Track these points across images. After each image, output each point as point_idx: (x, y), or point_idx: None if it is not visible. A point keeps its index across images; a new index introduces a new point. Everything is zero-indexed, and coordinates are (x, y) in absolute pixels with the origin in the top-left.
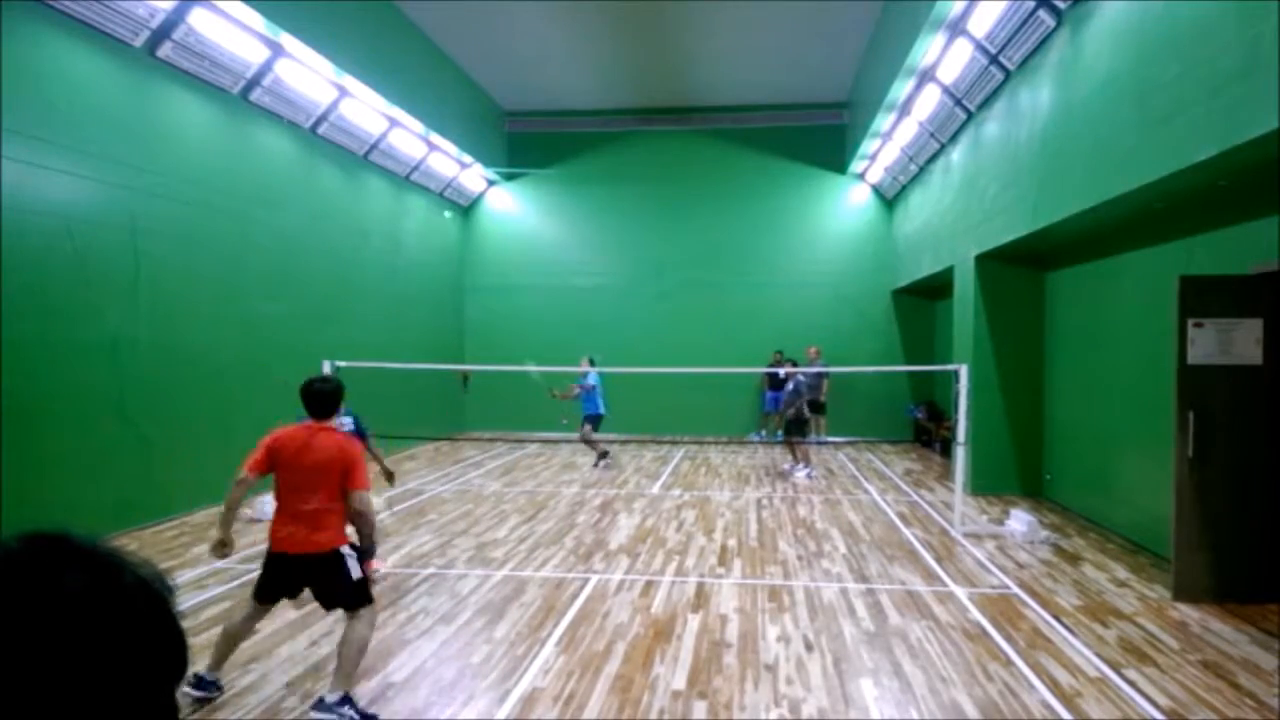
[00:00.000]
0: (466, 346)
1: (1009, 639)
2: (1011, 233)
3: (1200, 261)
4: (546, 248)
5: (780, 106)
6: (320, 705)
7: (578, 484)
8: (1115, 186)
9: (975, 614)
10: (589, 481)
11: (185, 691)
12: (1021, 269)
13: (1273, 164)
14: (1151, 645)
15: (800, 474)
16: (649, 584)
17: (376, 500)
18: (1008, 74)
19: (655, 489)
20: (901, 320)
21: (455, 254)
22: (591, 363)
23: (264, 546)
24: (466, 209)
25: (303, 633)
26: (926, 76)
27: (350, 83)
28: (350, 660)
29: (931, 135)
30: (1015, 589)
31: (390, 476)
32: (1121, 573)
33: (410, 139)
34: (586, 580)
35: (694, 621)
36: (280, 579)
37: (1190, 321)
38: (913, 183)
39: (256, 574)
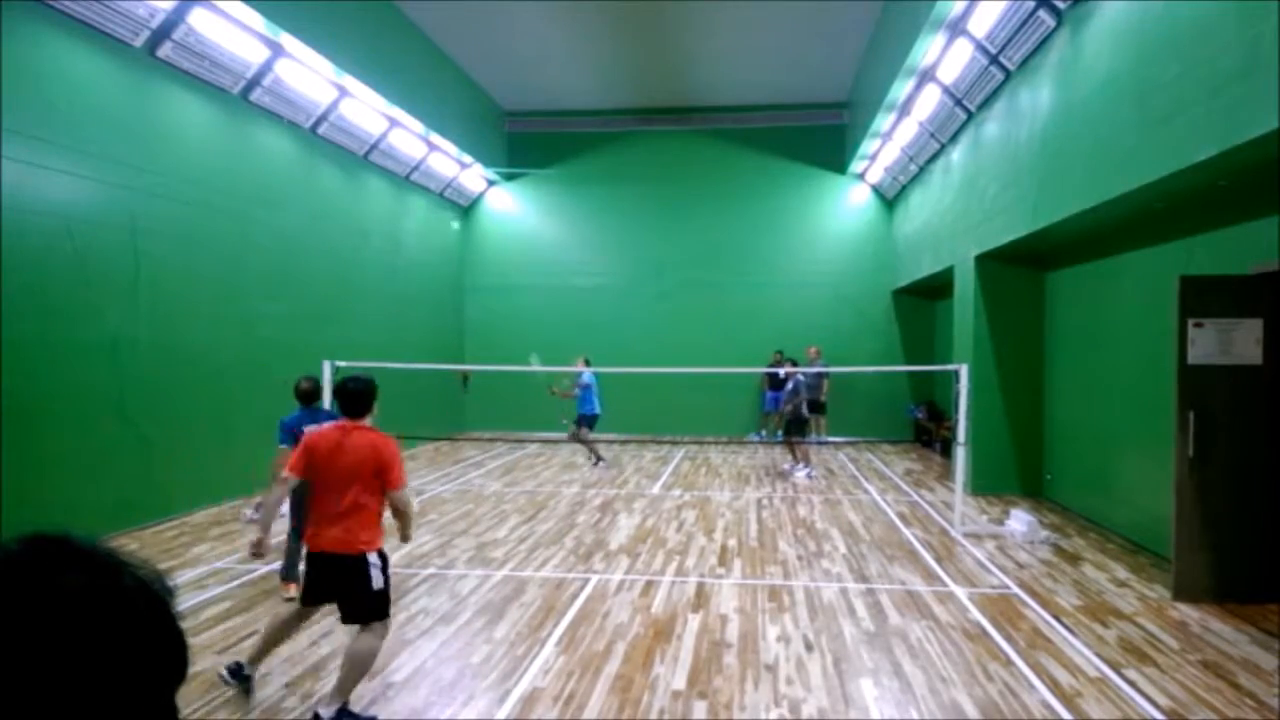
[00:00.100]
0: (466, 346)
1: (1009, 639)
2: (1011, 233)
3: (1200, 261)
4: (546, 248)
5: (780, 106)
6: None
7: (578, 484)
8: (1115, 186)
9: (975, 614)
10: (589, 481)
11: (221, 674)
12: (1021, 269)
13: (1273, 164)
14: (1151, 645)
15: (800, 474)
16: (649, 584)
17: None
18: (1008, 74)
19: (655, 489)
20: (901, 320)
21: (455, 254)
22: (587, 363)
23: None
24: (466, 209)
25: (302, 633)
26: (926, 76)
27: (350, 83)
28: (352, 674)
29: (931, 135)
30: (1015, 589)
31: None
32: (1121, 573)
33: (410, 139)
34: (586, 580)
35: (694, 621)
36: (317, 579)
37: (1190, 321)
38: (913, 183)
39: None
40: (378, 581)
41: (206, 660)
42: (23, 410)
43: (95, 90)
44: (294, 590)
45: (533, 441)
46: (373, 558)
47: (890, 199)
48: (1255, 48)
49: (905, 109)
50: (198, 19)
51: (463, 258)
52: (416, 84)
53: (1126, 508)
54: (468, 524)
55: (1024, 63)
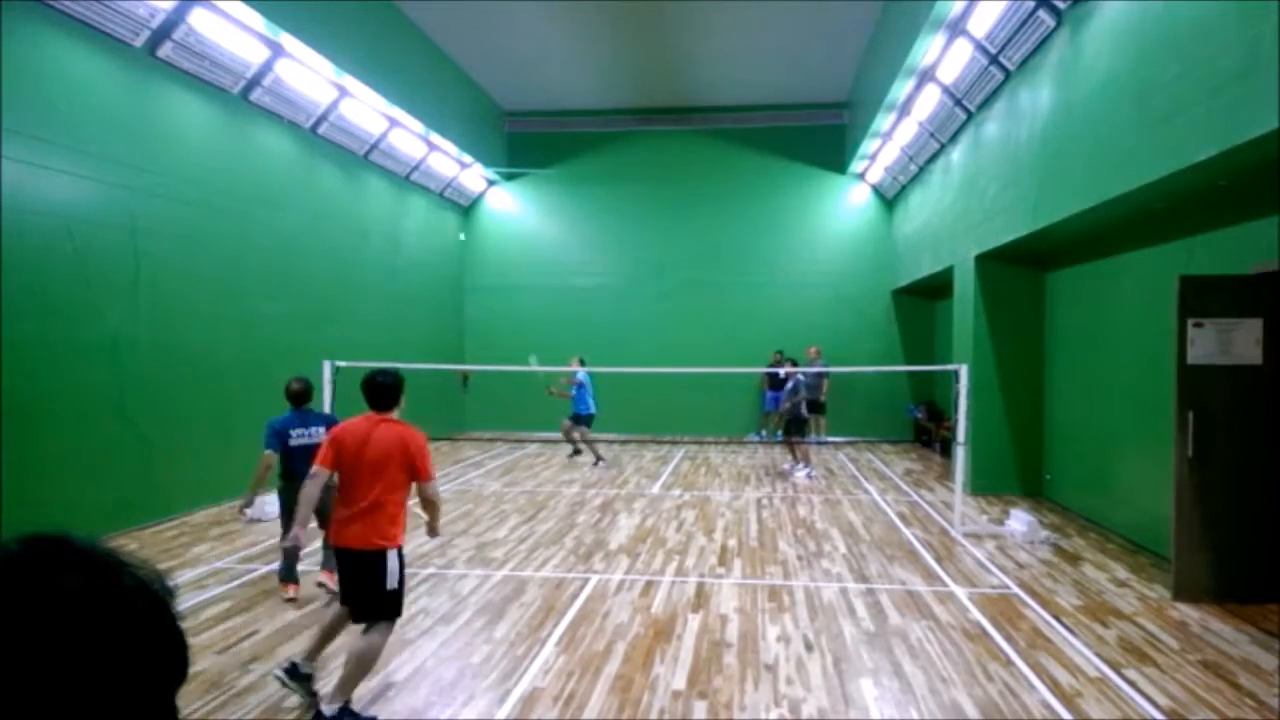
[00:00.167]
0: (466, 346)
1: (1009, 639)
2: (1011, 233)
3: (1200, 261)
4: (546, 248)
5: (780, 106)
6: (319, 718)
7: (578, 484)
8: (1115, 186)
9: (975, 614)
10: (589, 481)
11: (278, 676)
12: (1021, 269)
13: (1273, 164)
14: (1151, 645)
15: (800, 474)
16: (649, 584)
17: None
18: (1008, 74)
19: (655, 489)
20: (901, 320)
21: (455, 254)
22: (581, 362)
23: (264, 546)
24: (466, 209)
25: (302, 633)
26: (926, 76)
27: (350, 83)
28: (355, 672)
29: (931, 135)
30: (1015, 589)
31: None
32: (1121, 573)
33: (410, 139)
34: (586, 580)
35: (694, 621)
36: (344, 575)
37: (1190, 321)
38: (913, 183)
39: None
40: (392, 581)
41: (206, 660)
42: (23, 410)
43: (95, 90)
44: (293, 591)
45: (532, 441)
46: (392, 556)
47: (890, 199)
48: (1255, 48)
49: (905, 109)
50: (198, 19)
51: (463, 258)
52: (416, 84)
53: (1126, 508)
54: (468, 524)
55: (1024, 63)
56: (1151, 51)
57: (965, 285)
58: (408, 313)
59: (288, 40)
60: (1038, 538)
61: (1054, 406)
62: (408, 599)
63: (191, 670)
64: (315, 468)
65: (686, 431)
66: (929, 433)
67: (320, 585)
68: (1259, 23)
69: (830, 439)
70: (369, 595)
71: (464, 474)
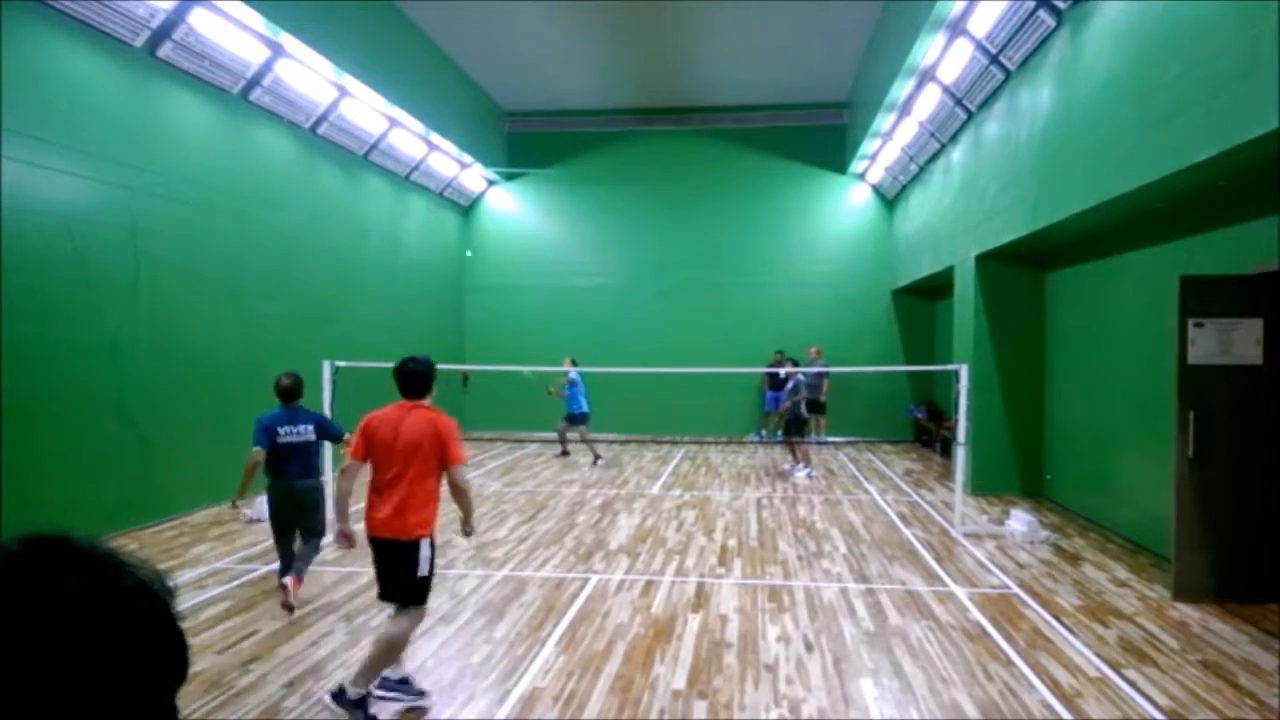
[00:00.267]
0: (466, 346)
1: (1009, 639)
2: (1011, 233)
3: (1200, 261)
4: (546, 248)
5: (780, 106)
6: (339, 698)
7: (578, 484)
8: (1115, 186)
9: (975, 614)
10: (589, 481)
11: (381, 694)
12: (1021, 269)
13: (1273, 164)
14: (1151, 645)
15: (800, 474)
16: (649, 584)
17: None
18: (1008, 74)
19: (655, 489)
20: (901, 320)
21: (455, 254)
22: (574, 363)
23: (264, 546)
24: (466, 209)
25: (302, 633)
26: (927, 76)
27: (350, 83)
28: (381, 655)
29: (932, 135)
30: (1015, 589)
31: None
32: (1121, 573)
33: (410, 139)
34: (586, 580)
35: (694, 621)
36: (378, 561)
37: (1190, 321)
38: (913, 183)
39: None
40: (424, 569)
41: (206, 660)
42: (23, 410)
43: (95, 90)
44: (292, 583)
45: (532, 441)
46: (424, 545)
47: (890, 199)
48: (1255, 48)
49: (905, 109)
50: (198, 19)
51: (463, 258)
52: (416, 84)
53: (1126, 508)
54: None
55: (1024, 63)
56: (1151, 51)
57: (965, 285)
58: (408, 313)
59: (288, 40)
60: (1038, 538)
61: (1054, 406)
62: None
63: (191, 670)
64: (347, 461)
65: (686, 431)
66: (929, 433)
67: (282, 587)
68: (1259, 23)
69: (830, 439)
70: (400, 581)
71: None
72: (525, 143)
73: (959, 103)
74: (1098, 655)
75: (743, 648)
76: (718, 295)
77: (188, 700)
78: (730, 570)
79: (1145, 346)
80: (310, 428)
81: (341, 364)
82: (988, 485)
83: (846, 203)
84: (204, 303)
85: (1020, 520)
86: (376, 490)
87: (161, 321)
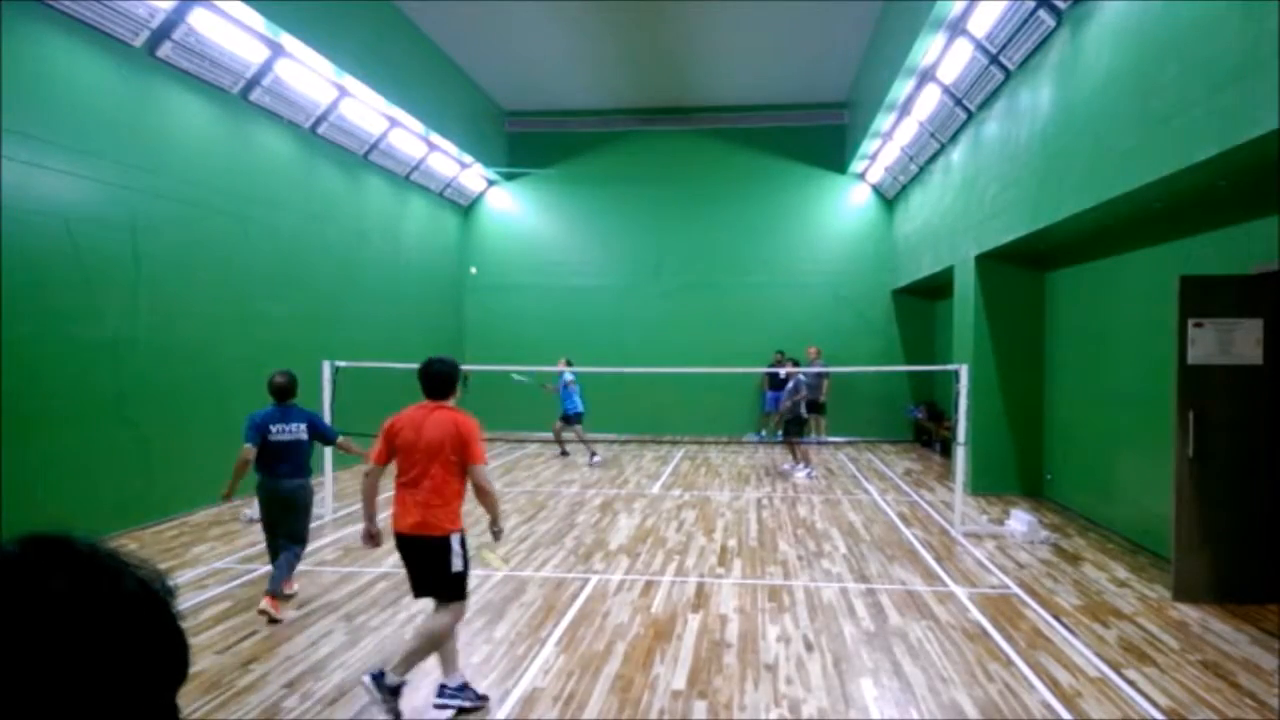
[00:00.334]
0: (466, 346)
1: (1009, 639)
2: (1011, 233)
3: (1200, 261)
4: (546, 248)
5: (780, 106)
6: (378, 680)
7: (578, 484)
8: (1115, 186)
9: (975, 614)
10: (589, 481)
11: (442, 704)
12: (1021, 269)
13: (1273, 164)
14: (1151, 645)
15: (800, 474)
16: (649, 584)
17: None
18: (1008, 74)
19: (655, 489)
20: (901, 320)
21: (455, 254)
22: (568, 363)
23: (264, 546)
24: (466, 209)
25: (302, 633)
26: (927, 76)
27: (350, 83)
28: (420, 651)
29: (932, 135)
30: (1015, 589)
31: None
32: (1121, 573)
33: (410, 139)
34: (586, 580)
35: (694, 621)
36: (409, 564)
37: (1190, 321)
38: (913, 183)
39: (258, 573)
40: (457, 565)
41: (206, 660)
42: (23, 410)
43: (95, 90)
44: (293, 587)
45: (532, 441)
46: (455, 540)
47: (890, 199)
48: (1255, 48)
49: (905, 109)
50: (198, 19)
51: (463, 258)
52: (416, 84)
53: (1126, 508)
54: (468, 524)
55: (1024, 63)
56: (1151, 51)
57: (965, 285)
58: (408, 313)
59: (288, 40)
60: (1038, 538)
61: (1054, 406)
62: (408, 599)
63: (191, 670)
64: (368, 465)
65: (686, 431)
66: (929, 433)
67: (263, 613)
68: (1259, 23)
69: (830, 439)
70: (435, 579)
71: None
72: (525, 143)
73: (959, 103)
74: (1098, 655)
75: (743, 648)
76: (717, 295)
77: (188, 700)
78: (730, 570)
79: (1145, 346)
80: (303, 427)
81: (341, 364)
82: (988, 485)
83: (846, 203)
84: (204, 302)
85: (1020, 520)
86: (400, 491)
87: (161, 321)
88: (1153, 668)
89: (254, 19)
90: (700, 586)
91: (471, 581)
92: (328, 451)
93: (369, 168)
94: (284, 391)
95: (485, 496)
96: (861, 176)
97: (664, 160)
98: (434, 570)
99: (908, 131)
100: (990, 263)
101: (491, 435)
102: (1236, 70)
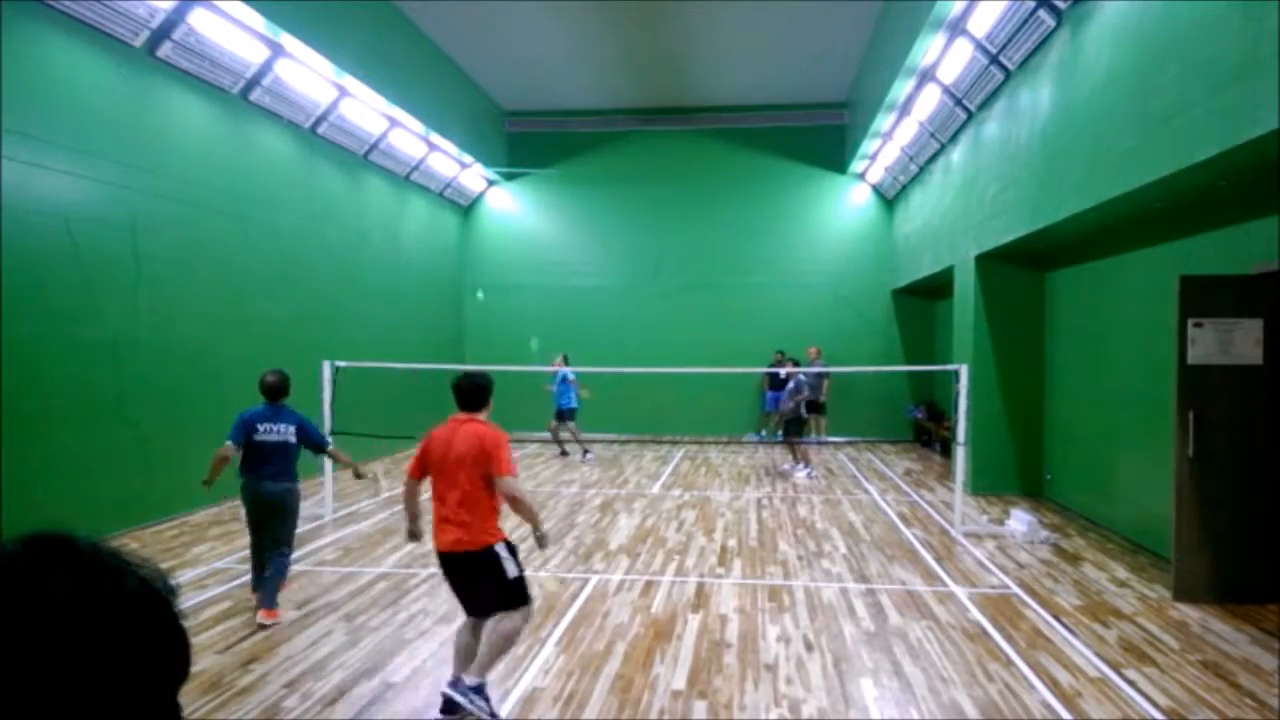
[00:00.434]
0: (466, 346)
1: (1009, 639)
2: (1011, 233)
3: (1200, 261)
4: (546, 248)
5: (780, 106)
6: (456, 685)
7: (577, 484)
8: (1115, 186)
9: (975, 614)
10: (589, 481)
11: (449, 694)
12: (1021, 269)
13: (1273, 164)
14: (1151, 645)
15: (800, 474)
16: (649, 584)
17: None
18: (1008, 74)
19: (655, 489)
20: (901, 320)
21: (455, 254)
22: (566, 360)
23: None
24: (466, 209)
25: (302, 633)
26: (927, 76)
27: (350, 83)
28: (494, 650)
29: (932, 135)
30: (1015, 589)
31: (360, 475)
32: (1121, 573)
33: (410, 139)
34: (586, 580)
35: (694, 621)
36: (455, 582)
37: (1190, 321)
38: (913, 183)
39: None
40: (512, 570)
41: (207, 660)
42: (23, 410)
43: (95, 90)
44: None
45: (532, 441)
46: (500, 548)
47: (890, 199)
48: (1255, 48)
49: (905, 109)
50: (198, 19)
51: (463, 258)
52: (416, 84)
53: (1126, 508)
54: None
55: (1024, 63)
56: (1151, 51)
57: (965, 285)
58: (408, 313)
59: (288, 40)
60: (1038, 538)
61: (1054, 406)
62: (407, 599)
63: (192, 670)
64: (405, 480)
65: (686, 431)
66: (929, 433)
67: (262, 626)
68: (1259, 23)
69: (830, 439)
70: (494, 590)
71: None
72: (525, 143)
73: (959, 103)
74: (1098, 655)
75: (743, 648)
76: (717, 295)
77: (188, 700)
78: (730, 570)
79: (1145, 346)
80: (291, 429)
81: (341, 364)
82: (988, 485)
83: (846, 203)
84: (204, 302)
85: (1020, 520)
86: (436, 508)
87: (161, 321)
88: (1153, 668)
89: (254, 19)
90: (700, 586)
91: None
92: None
93: (369, 168)
94: (275, 391)
95: (517, 506)
96: (861, 176)
97: (664, 160)
98: (488, 583)
99: (908, 131)
100: (990, 263)
101: None
102: (1236, 70)
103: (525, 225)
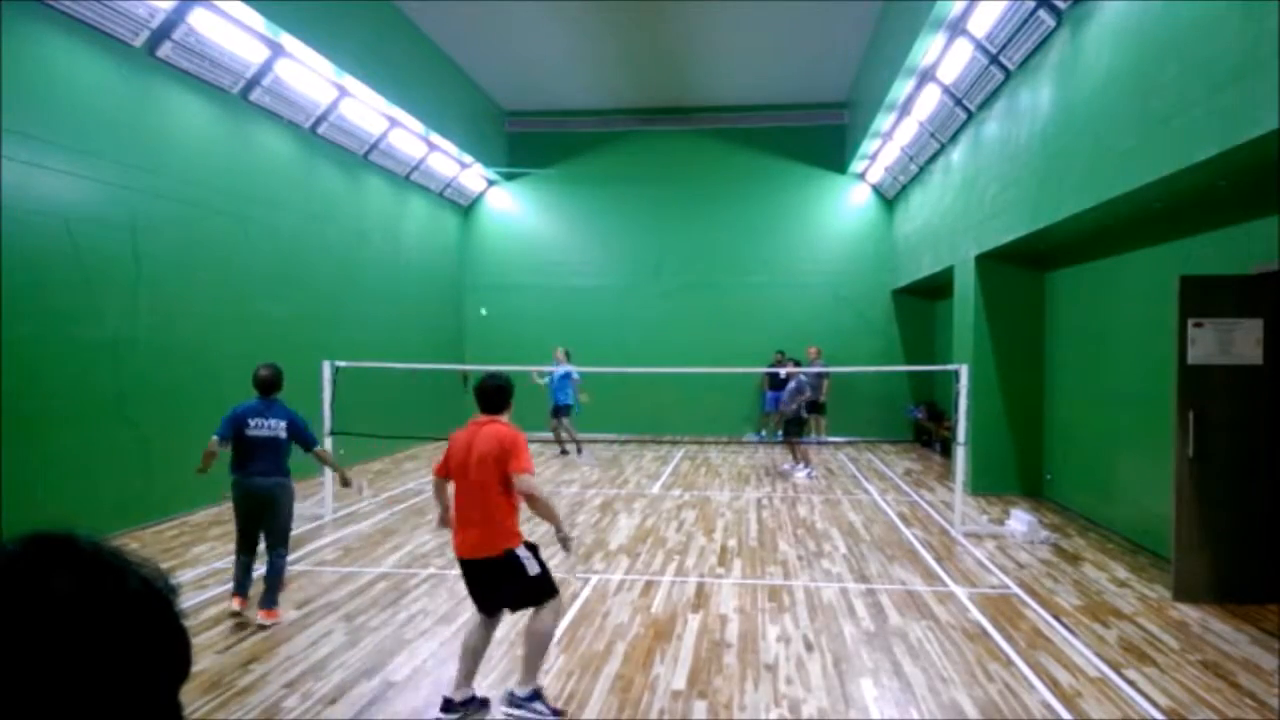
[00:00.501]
0: (466, 346)
1: (1009, 639)
2: (1011, 233)
3: (1200, 261)
4: (546, 248)
5: (780, 106)
6: (511, 700)
7: (578, 484)
8: (1115, 186)
9: (975, 614)
10: (589, 481)
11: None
12: (1021, 269)
13: (1273, 164)
14: (1151, 645)
15: (800, 474)
16: (649, 584)
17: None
18: (1008, 74)
19: (655, 489)
20: (901, 320)
21: (455, 254)
22: (567, 355)
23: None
24: (466, 209)
25: (302, 633)
26: (927, 76)
27: (350, 83)
28: (535, 653)
29: (932, 135)
30: (1015, 589)
31: (346, 483)
32: (1121, 573)
33: (410, 139)
34: (586, 580)
35: (694, 621)
36: (474, 585)
37: (1190, 321)
38: (913, 183)
39: (257, 573)
40: (533, 568)
41: (206, 660)
42: (23, 410)
43: (95, 90)
44: (238, 604)
45: (532, 442)
46: (520, 550)
47: (890, 199)
48: (1255, 48)
49: (905, 109)
50: (198, 19)
51: (463, 258)
52: (416, 84)
53: (1126, 508)
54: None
55: (1024, 63)
56: (1151, 51)
57: (965, 285)
58: (408, 313)
59: (288, 40)
60: (1038, 538)
61: (1054, 406)
62: (407, 599)
63: (192, 670)
64: (434, 476)
65: (686, 431)
66: (929, 433)
67: (262, 627)
68: (1259, 23)
69: (830, 439)
70: (518, 590)
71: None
72: (525, 143)
73: (959, 103)
74: (1098, 655)
75: (743, 648)
76: (717, 295)
77: (188, 700)
78: (730, 570)
79: (1145, 346)
80: (282, 424)
81: (342, 364)
82: (988, 485)
83: (846, 203)
84: (204, 302)
85: (1020, 520)
86: (458, 512)
87: (161, 321)
88: (1153, 668)
89: (254, 19)
90: (700, 586)
91: None
92: (327, 451)
93: (369, 168)
94: (267, 385)
95: (536, 504)
96: (861, 176)
97: (664, 160)
98: (510, 585)
99: (908, 131)
100: (990, 263)
101: None
102: (1236, 70)
103: (525, 225)
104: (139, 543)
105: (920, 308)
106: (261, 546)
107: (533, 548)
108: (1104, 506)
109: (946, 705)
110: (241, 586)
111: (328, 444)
